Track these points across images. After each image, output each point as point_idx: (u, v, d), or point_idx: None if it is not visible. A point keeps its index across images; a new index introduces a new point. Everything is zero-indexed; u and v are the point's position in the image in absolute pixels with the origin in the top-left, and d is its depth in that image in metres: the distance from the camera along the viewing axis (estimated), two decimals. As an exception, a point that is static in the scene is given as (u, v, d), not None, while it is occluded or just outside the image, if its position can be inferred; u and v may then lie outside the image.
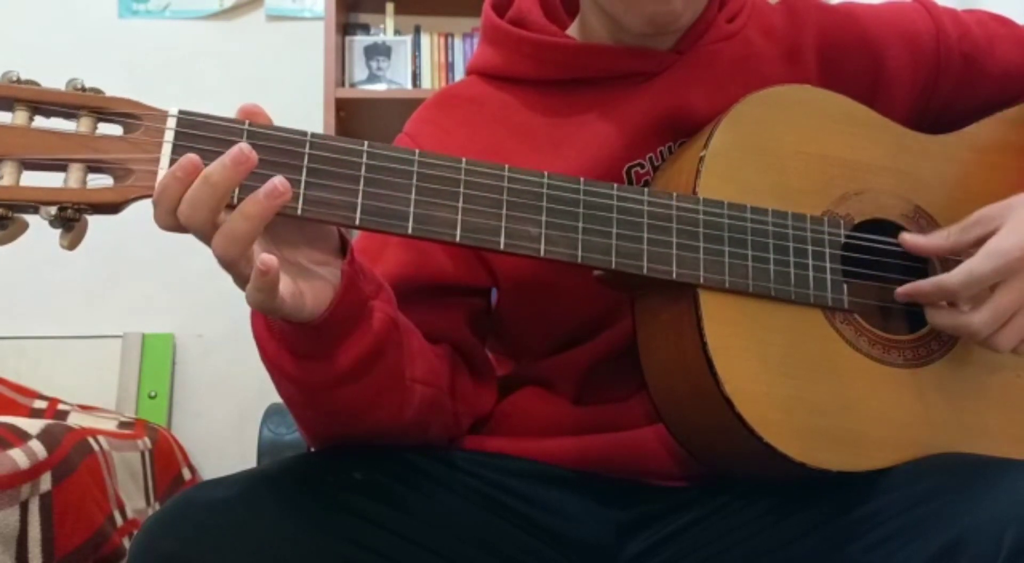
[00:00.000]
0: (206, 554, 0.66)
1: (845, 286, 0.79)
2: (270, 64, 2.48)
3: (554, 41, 0.92)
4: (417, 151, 0.70)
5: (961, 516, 0.65)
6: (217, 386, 2.35)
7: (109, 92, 0.64)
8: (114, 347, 2.31)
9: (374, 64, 2.36)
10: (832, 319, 0.79)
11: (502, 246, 0.71)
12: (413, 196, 0.69)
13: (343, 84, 2.31)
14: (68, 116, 0.62)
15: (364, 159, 0.68)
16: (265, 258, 0.60)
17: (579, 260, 0.73)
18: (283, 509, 0.70)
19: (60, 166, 0.61)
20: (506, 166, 0.72)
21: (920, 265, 0.84)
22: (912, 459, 0.75)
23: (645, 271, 0.74)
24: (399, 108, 2.25)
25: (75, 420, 1.82)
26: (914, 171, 0.87)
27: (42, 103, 0.62)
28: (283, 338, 0.69)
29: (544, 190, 0.73)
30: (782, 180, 0.81)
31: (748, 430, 0.73)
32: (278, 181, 0.61)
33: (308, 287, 0.66)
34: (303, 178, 0.65)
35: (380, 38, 2.40)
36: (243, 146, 0.61)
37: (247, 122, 0.65)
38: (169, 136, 0.63)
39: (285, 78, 2.43)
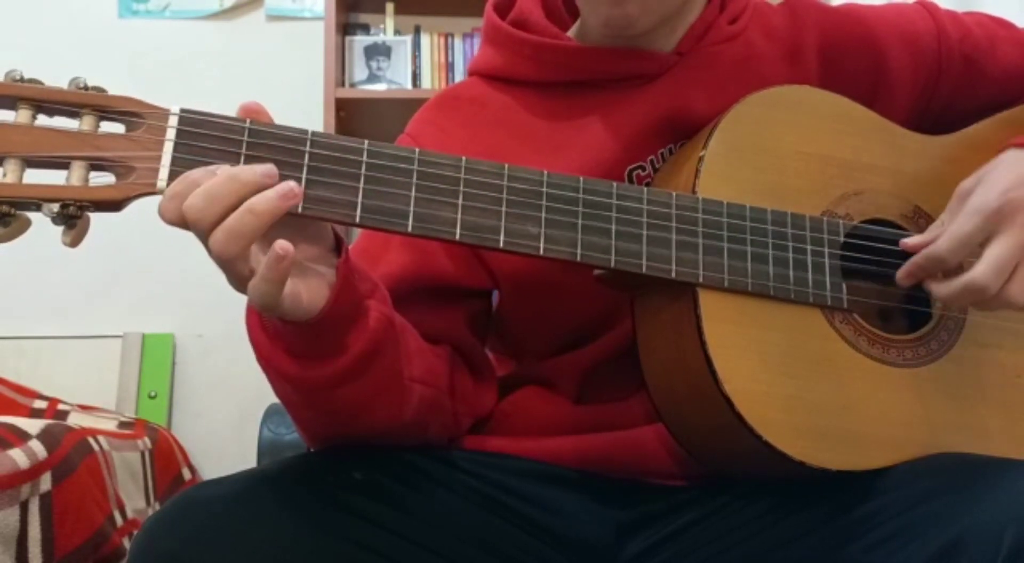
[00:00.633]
0: (206, 554, 0.66)
1: (844, 286, 0.79)
2: (270, 64, 2.48)
3: (555, 43, 0.92)
4: (417, 150, 0.70)
5: (961, 516, 0.65)
6: (217, 386, 2.35)
7: (110, 92, 0.64)
8: (114, 347, 2.31)
9: (374, 64, 2.37)
10: (831, 319, 0.79)
11: (502, 244, 0.71)
12: (413, 194, 0.69)
13: (343, 84, 2.31)
14: (71, 115, 0.63)
15: (364, 157, 0.68)
16: (283, 243, 0.60)
17: (578, 258, 0.73)
18: (283, 509, 0.70)
19: (63, 164, 0.61)
20: (506, 165, 0.72)
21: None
22: (911, 459, 0.75)
23: (644, 270, 0.74)
24: (399, 108, 2.26)
25: (75, 420, 1.82)
26: (914, 171, 0.87)
27: (45, 102, 0.62)
28: (279, 338, 0.69)
29: (544, 188, 0.73)
30: (781, 180, 0.82)
31: (747, 429, 0.73)
32: (293, 183, 0.62)
33: (304, 285, 0.66)
34: (304, 176, 0.65)
35: (380, 38, 2.40)
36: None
37: (248, 120, 0.65)
38: (171, 134, 0.63)
39: (285, 78, 2.43)
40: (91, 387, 2.22)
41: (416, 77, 2.39)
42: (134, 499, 1.72)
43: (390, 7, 2.44)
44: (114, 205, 0.62)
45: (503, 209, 0.71)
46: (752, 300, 0.77)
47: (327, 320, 0.67)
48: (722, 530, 0.80)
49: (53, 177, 0.61)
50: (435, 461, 0.82)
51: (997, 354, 0.82)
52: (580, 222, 0.73)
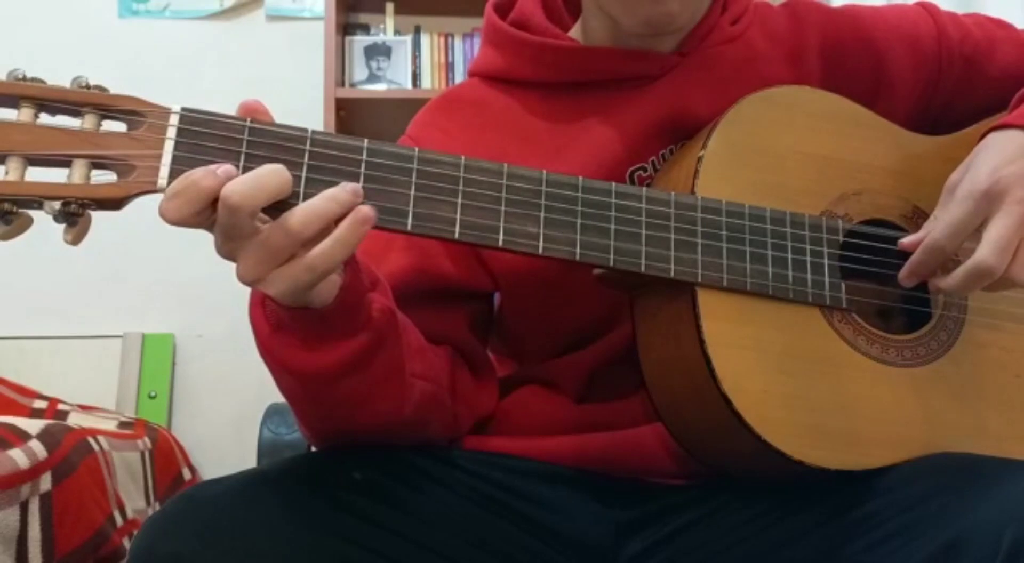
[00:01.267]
0: (206, 554, 0.66)
1: (843, 285, 0.80)
2: (270, 64, 2.48)
3: (556, 44, 0.92)
4: (416, 149, 0.70)
5: (960, 516, 0.65)
6: (217, 386, 2.35)
7: (111, 91, 0.64)
8: (114, 347, 2.31)
9: (374, 64, 2.37)
10: (830, 318, 0.79)
11: (501, 243, 0.71)
12: (412, 193, 0.69)
13: (343, 84, 2.31)
14: (73, 113, 0.63)
15: (364, 156, 0.68)
16: (365, 208, 0.63)
17: (577, 257, 0.73)
18: (283, 509, 0.70)
19: (64, 162, 0.62)
20: (505, 164, 0.73)
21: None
22: (910, 458, 0.75)
23: (643, 269, 0.74)
24: (399, 108, 2.26)
25: (75, 420, 1.82)
26: (913, 172, 0.87)
27: (47, 100, 0.62)
28: (284, 329, 0.69)
29: (543, 188, 0.73)
30: (780, 180, 0.82)
31: (746, 428, 0.73)
32: (368, 209, 0.64)
33: None
34: (304, 175, 0.66)
35: (380, 38, 2.40)
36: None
37: (249, 119, 0.65)
38: (171, 133, 0.63)
39: (285, 78, 2.43)
40: (91, 387, 2.22)
41: (416, 77, 2.39)
42: (134, 499, 1.73)
43: (390, 7, 2.44)
44: (115, 203, 0.62)
45: (502, 208, 0.72)
46: (751, 299, 0.77)
47: (335, 311, 0.67)
48: (722, 530, 0.80)
49: (55, 175, 0.61)
50: (435, 461, 0.82)
51: (996, 354, 0.83)
52: (579, 221, 0.74)
